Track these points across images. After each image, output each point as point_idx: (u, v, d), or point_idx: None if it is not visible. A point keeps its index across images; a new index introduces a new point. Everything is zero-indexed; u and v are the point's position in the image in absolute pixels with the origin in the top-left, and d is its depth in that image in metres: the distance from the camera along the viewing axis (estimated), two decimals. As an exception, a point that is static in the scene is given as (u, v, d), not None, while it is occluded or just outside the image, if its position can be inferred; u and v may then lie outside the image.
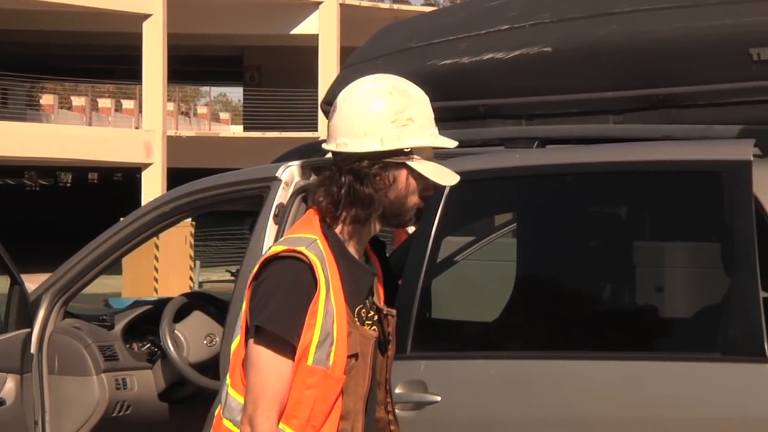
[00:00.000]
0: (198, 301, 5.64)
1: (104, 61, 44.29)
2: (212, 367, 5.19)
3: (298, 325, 3.22)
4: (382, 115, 3.29)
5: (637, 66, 4.86)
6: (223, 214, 17.41)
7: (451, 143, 3.37)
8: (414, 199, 3.34)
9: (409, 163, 3.29)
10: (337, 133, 3.32)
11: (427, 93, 5.28)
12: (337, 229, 3.33)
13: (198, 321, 5.48)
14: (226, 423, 3.36)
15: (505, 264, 5.64)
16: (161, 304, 5.58)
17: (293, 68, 36.21)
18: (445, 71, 5.25)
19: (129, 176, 40.86)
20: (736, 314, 4.07)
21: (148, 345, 5.58)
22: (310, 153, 5.40)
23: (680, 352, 4.24)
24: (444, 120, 5.29)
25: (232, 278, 20.40)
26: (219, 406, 3.42)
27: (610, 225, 4.88)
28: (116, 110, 40.80)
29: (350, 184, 3.28)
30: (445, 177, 3.33)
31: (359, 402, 3.36)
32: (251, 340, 3.25)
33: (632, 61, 4.86)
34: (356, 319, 3.33)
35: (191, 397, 5.59)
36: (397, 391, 4.52)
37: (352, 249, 3.36)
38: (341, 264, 3.31)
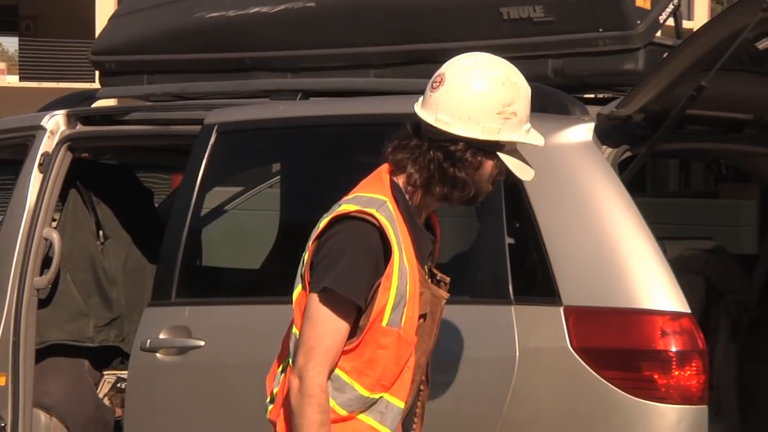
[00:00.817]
0: None
1: None
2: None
3: (364, 288, 3.18)
4: (491, 106, 3.21)
5: (396, 22, 4.96)
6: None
7: (540, 140, 3.30)
8: (489, 186, 3.32)
9: (499, 154, 3.25)
10: (440, 108, 3.22)
11: (193, 45, 5.34)
12: (409, 195, 3.29)
13: None
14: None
15: (271, 213, 5.70)
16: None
17: (70, 18, 35.32)
18: (212, 24, 5.24)
19: None
20: (484, 260, 4.22)
21: None
22: (76, 102, 5.34)
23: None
24: (211, 72, 5.36)
25: None
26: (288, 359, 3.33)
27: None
28: None
29: (440, 162, 3.22)
30: (525, 172, 3.30)
31: (423, 357, 3.35)
32: (314, 295, 3.19)
33: (392, 17, 4.96)
34: (421, 282, 3.29)
35: None
36: (162, 336, 4.56)
37: (416, 215, 3.32)
38: (410, 227, 3.27)
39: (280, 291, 4.71)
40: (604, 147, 4.16)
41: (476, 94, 3.21)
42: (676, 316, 3.89)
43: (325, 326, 3.17)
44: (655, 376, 3.87)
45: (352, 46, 5.04)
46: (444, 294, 3.38)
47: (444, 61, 4.80)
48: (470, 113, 3.20)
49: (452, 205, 3.35)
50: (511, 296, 4.06)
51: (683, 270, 4.96)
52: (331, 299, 3.16)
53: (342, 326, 3.18)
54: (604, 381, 3.89)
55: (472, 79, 3.23)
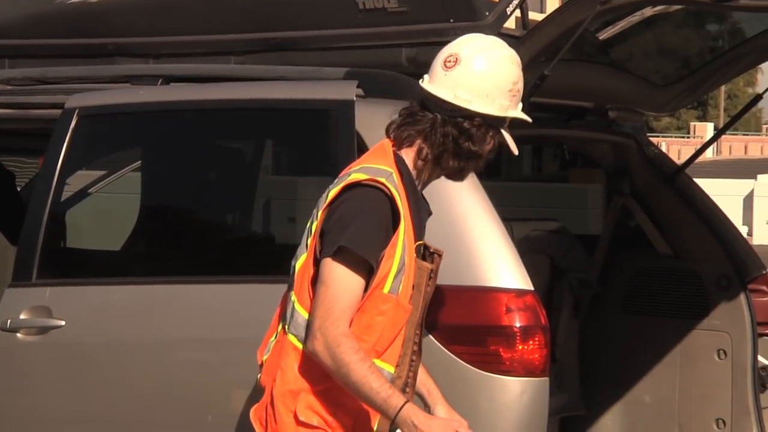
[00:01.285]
0: None
1: None
2: None
3: (377, 250, 3.22)
4: (505, 84, 3.32)
5: (256, 11, 4.94)
6: None
7: (527, 118, 3.42)
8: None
9: (502, 130, 3.35)
10: (458, 86, 3.29)
11: (54, 30, 5.24)
12: (412, 167, 3.35)
13: None
14: (291, 338, 3.29)
15: (133, 196, 5.62)
16: None
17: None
18: (74, 9, 5.16)
19: None
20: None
21: None
22: None
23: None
24: (73, 57, 5.26)
25: None
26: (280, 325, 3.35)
27: (229, 158, 4.95)
28: None
29: (455, 138, 3.30)
30: (515, 147, 3.38)
31: (411, 330, 3.36)
32: (328, 259, 3.20)
33: (252, 6, 4.93)
34: (414, 253, 3.34)
35: None
36: (22, 316, 4.47)
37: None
38: (410, 199, 3.31)
39: (141, 272, 4.71)
40: (454, 132, 4.18)
41: (495, 74, 3.33)
42: (520, 293, 3.95)
43: (340, 286, 3.21)
44: (500, 351, 3.92)
45: (214, 33, 5.00)
46: (428, 266, 3.43)
47: (302, 49, 4.84)
48: (488, 91, 3.31)
49: (458, 179, 3.46)
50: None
51: (529, 250, 5.05)
52: (346, 258, 3.20)
53: (357, 285, 3.23)
54: (453, 356, 3.93)
55: (491, 59, 3.34)
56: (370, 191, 3.25)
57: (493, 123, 3.34)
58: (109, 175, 6.14)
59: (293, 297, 3.33)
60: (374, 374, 3.17)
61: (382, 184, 3.25)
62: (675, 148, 50.94)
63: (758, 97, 5.74)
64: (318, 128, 4.40)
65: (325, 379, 3.25)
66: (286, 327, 3.33)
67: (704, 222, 5.13)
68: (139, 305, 4.42)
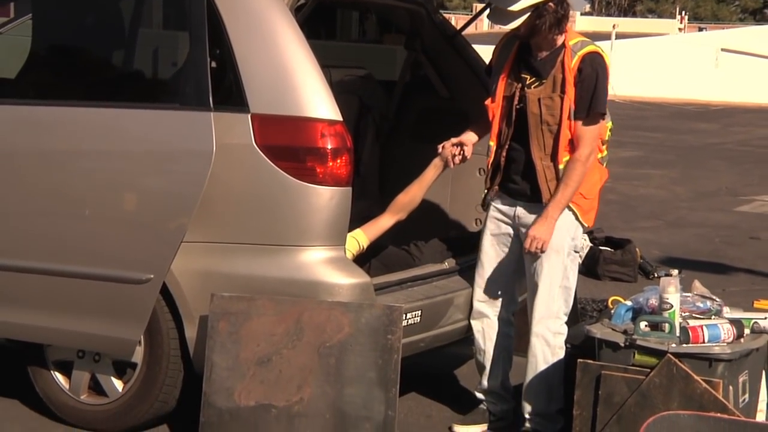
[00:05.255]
0: None
1: None
2: None
3: None
4: None
5: None
6: None
7: None
8: None
9: None
10: None
11: None
12: None
13: None
14: None
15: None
16: None
17: None
18: None
19: None
20: (192, 77, 3.95)
21: None
22: None
23: (151, 102, 4.11)
24: None
25: None
26: None
27: (105, 9, 4.58)
28: None
29: None
30: None
31: None
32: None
33: None
34: None
35: None
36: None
37: None
38: None
39: (32, 95, 4.37)
40: (285, -5, 3.96)
41: None
42: (332, 122, 3.81)
43: None
44: (316, 166, 3.79)
45: None
46: None
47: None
48: None
49: None
50: (211, 105, 3.85)
51: (342, 91, 4.89)
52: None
53: None
54: (279, 170, 3.79)
55: None
56: None
57: None
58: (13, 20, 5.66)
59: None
60: None
61: None
62: (461, 22, 50.90)
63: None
64: None
65: None
66: None
67: (473, 73, 5.03)
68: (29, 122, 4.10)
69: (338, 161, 3.80)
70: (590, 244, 7.49)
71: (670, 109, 26.24)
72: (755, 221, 10.57)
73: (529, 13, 3.84)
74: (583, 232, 4.20)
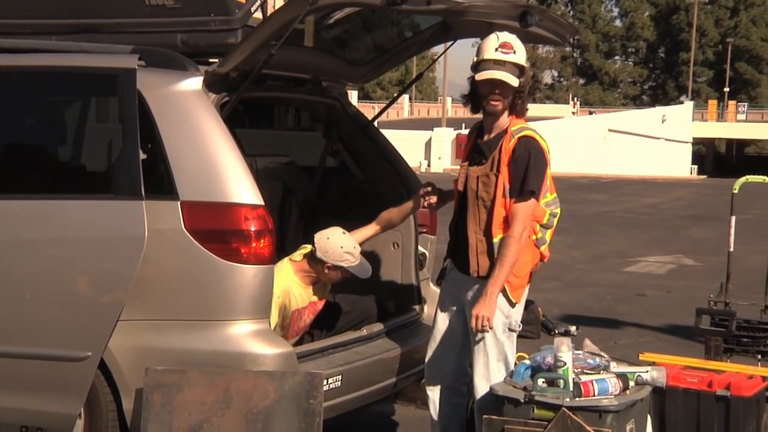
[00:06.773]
0: None
1: None
2: None
3: None
4: None
5: (70, 1, 4.46)
6: None
7: None
8: None
9: None
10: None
11: None
12: None
13: None
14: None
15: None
16: None
17: None
18: None
19: None
20: (125, 170, 3.86)
21: None
22: None
23: (88, 192, 4.00)
24: None
25: None
26: None
27: (40, 110, 4.44)
28: None
29: None
30: None
31: None
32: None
33: None
34: None
35: None
36: None
37: None
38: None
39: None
40: (210, 93, 3.94)
41: None
42: (254, 206, 3.75)
43: None
44: (241, 247, 3.70)
45: (36, 18, 4.50)
46: None
47: (105, 32, 4.39)
48: None
49: None
50: (143, 194, 3.76)
51: (267, 177, 4.83)
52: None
53: None
54: (207, 251, 3.70)
55: None
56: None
57: None
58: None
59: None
60: None
61: None
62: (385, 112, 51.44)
63: (417, 77, 5.82)
64: (109, 89, 4.02)
65: None
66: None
67: (385, 158, 5.03)
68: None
69: (261, 242, 3.72)
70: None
71: (566, 182, 26.77)
72: (641, 280, 10.73)
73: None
74: (524, 309, 3.99)
